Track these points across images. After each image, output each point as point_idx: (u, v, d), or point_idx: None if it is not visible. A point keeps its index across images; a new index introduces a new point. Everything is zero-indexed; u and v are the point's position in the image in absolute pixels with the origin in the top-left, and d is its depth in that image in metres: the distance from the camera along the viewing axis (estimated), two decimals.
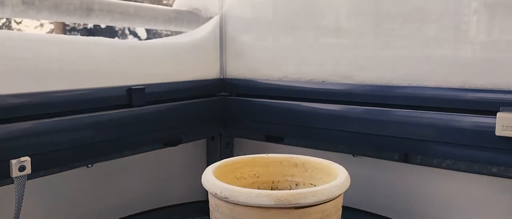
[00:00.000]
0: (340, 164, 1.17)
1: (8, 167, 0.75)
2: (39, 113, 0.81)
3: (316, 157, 1.20)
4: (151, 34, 11.52)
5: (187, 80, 1.16)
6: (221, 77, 1.30)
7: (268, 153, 1.33)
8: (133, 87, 0.98)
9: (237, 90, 1.27)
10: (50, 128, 0.81)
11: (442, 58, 0.96)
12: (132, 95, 0.98)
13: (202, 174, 1.46)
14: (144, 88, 1.01)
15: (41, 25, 12.90)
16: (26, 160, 0.76)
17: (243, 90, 1.26)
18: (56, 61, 0.86)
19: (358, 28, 1.07)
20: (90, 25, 11.48)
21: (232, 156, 1.46)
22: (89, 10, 1.02)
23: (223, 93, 1.29)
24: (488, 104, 0.89)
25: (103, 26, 10.94)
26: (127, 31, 10.35)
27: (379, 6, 1.03)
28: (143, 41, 1.17)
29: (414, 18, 0.99)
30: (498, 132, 0.83)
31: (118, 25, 1.03)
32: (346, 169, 1.16)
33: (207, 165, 1.45)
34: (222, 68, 1.30)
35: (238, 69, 1.28)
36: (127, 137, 0.97)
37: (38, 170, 0.80)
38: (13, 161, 0.75)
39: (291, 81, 1.17)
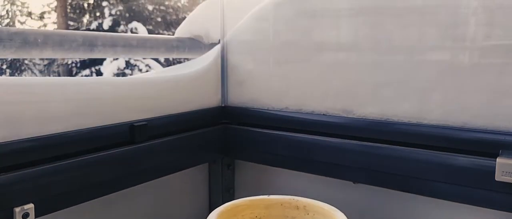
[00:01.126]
0: (340, 190, 1.18)
1: (11, 215, 0.76)
2: (42, 158, 0.82)
3: (316, 183, 1.22)
4: (154, 34, 11.56)
5: (189, 110, 1.17)
6: (223, 105, 1.31)
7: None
8: (135, 124, 0.99)
9: (239, 119, 1.28)
10: (53, 173, 0.82)
11: (443, 97, 0.97)
12: (134, 132, 0.99)
13: (204, 196, 1.47)
14: (146, 124, 1.01)
15: (45, 25, 12.96)
16: (30, 207, 0.77)
17: (244, 119, 1.26)
18: (59, 103, 0.87)
19: (359, 63, 1.08)
20: (92, 27, 11.55)
21: (234, 177, 1.48)
22: (92, 46, 1.03)
23: (224, 121, 1.30)
24: (487, 145, 0.89)
25: (105, 27, 11.01)
26: (129, 32, 10.41)
27: (380, 43, 1.04)
28: (146, 76, 1.18)
29: (415, 56, 1.00)
30: (498, 177, 0.84)
31: (121, 57, 1.03)
32: (346, 196, 1.17)
33: (209, 187, 1.48)
34: (223, 96, 1.31)
35: (239, 98, 1.29)
36: (130, 174, 0.98)
37: (42, 214, 0.81)
38: (17, 209, 0.76)
39: (293, 112, 1.18)
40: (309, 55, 1.15)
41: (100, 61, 10.56)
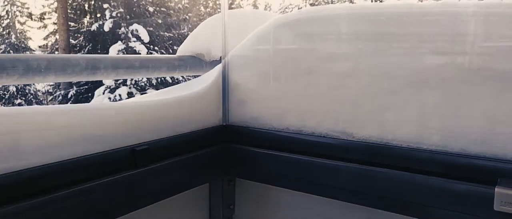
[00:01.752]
0: (338, 211, 1.19)
1: None
2: (44, 187, 0.82)
3: (314, 202, 1.22)
4: (154, 36, 11.57)
5: (191, 131, 1.18)
6: (224, 123, 1.32)
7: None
8: (137, 148, 1.00)
9: (240, 138, 1.29)
10: (55, 202, 0.82)
11: (441, 123, 0.97)
12: (136, 156, 0.99)
13: (204, 212, 1.47)
14: (147, 147, 1.02)
15: (45, 26, 12.97)
16: None
17: (246, 139, 1.27)
18: (61, 130, 0.87)
19: (358, 86, 1.08)
20: (93, 28, 11.56)
21: (234, 193, 1.48)
22: (95, 69, 1.03)
23: (225, 140, 1.30)
24: (486, 173, 0.90)
25: (106, 29, 11.01)
26: (130, 35, 10.40)
27: (379, 67, 1.05)
28: (148, 99, 1.19)
29: (414, 81, 1.01)
30: (497, 207, 0.84)
31: (124, 78, 1.04)
32: (344, 217, 1.17)
33: (210, 202, 1.48)
34: (224, 114, 1.32)
35: (240, 117, 1.29)
36: (132, 199, 0.99)
37: None
38: None
39: (293, 133, 1.18)
40: (309, 77, 1.16)
41: None
